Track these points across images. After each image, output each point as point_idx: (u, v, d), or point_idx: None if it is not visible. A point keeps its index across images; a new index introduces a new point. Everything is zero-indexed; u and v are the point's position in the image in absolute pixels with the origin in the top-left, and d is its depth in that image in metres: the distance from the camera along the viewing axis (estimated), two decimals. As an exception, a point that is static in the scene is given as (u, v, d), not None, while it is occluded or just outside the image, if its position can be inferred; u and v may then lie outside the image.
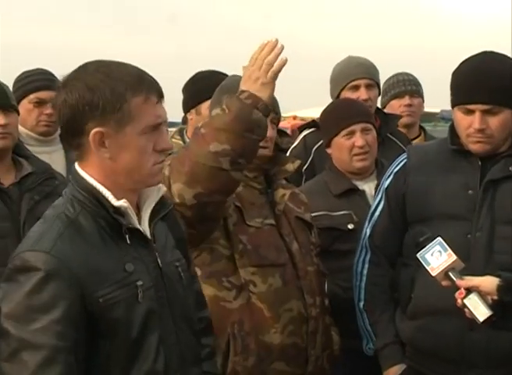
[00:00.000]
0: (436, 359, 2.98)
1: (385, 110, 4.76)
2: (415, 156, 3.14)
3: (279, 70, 2.58)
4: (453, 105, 2.99)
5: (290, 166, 3.07)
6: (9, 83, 4.00)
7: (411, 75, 4.90)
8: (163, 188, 2.27)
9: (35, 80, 4.18)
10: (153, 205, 2.24)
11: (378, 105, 4.51)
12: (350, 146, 3.61)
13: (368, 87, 4.14)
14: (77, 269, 2.01)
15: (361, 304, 3.20)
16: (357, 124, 3.60)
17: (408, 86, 4.82)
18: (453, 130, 3.07)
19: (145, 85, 2.12)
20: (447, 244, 2.65)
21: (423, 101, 4.94)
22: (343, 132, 3.61)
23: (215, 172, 2.58)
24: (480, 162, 2.98)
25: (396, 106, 4.78)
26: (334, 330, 3.13)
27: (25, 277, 1.99)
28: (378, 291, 3.18)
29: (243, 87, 2.60)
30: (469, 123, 2.92)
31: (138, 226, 2.17)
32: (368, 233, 3.21)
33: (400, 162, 3.17)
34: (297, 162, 3.11)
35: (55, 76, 3.94)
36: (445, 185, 3.00)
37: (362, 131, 3.60)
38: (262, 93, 2.57)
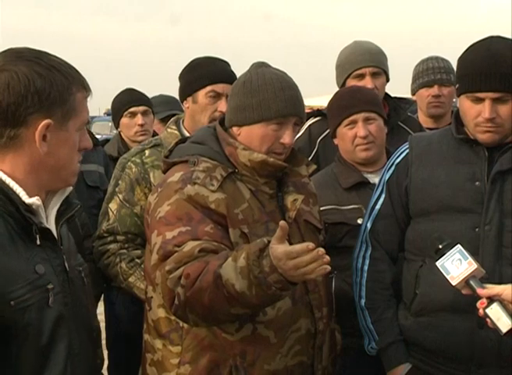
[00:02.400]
0: (444, 358, 2.88)
1: (414, 98, 4.65)
2: (418, 146, 3.01)
3: (313, 278, 2.43)
4: (460, 93, 2.86)
5: (304, 170, 2.90)
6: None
7: (443, 60, 4.69)
8: (69, 188, 2.16)
9: None
10: (58, 204, 2.12)
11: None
12: (352, 136, 3.51)
13: (374, 75, 4.00)
14: None
15: (362, 301, 3.08)
16: (359, 113, 3.49)
17: (438, 74, 4.62)
18: (457, 119, 2.94)
19: (84, 81, 2.07)
20: (467, 252, 2.53)
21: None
22: (345, 122, 3.52)
23: (230, 319, 2.58)
24: (486, 153, 2.86)
25: (424, 95, 4.63)
26: (337, 330, 3.01)
27: None
28: (379, 287, 3.06)
29: (275, 261, 2.33)
30: (478, 111, 2.80)
31: (48, 226, 2.04)
32: (368, 228, 3.09)
33: (402, 152, 3.05)
34: (312, 167, 2.94)
35: None
36: (450, 176, 2.89)
37: (364, 121, 3.49)
38: (289, 279, 2.37)
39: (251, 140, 2.76)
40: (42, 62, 1.97)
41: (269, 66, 2.83)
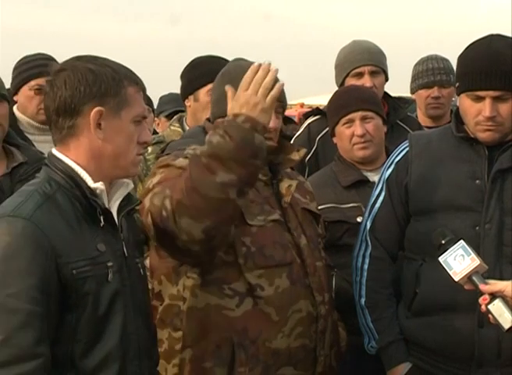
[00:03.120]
0: (444, 357, 2.87)
1: (414, 97, 4.63)
2: (418, 144, 3.00)
3: (278, 94, 2.48)
4: (461, 91, 2.85)
5: (296, 155, 2.92)
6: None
7: (443, 60, 4.64)
8: (131, 185, 2.34)
9: (36, 66, 3.99)
10: (121, 198, 2.30)
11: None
12: (350, 135, 3.51)
13: (373, 74, 3.98)
14: (54, 239, 2.07)
15: (362, 300, 3.06)
16: (356, 112, 3.49)
17: (438, 76, 4.57)
18: (457, 117, 2.93)
19: (135, 78, 2.26)
20: (470, 247, 2.51)
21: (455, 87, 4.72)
22: (343, 120, 3.52)
23: (223, 203, 2.45)
24: (487, 151, 2.85)
25: (424, 96, 4.59)
26: (341, 325, 3.00)
27: (3, 242, 2.04)
28: (379, 286, 3.05)
29: (237, 110, 2.45)
30: (478, 110, 2.79)
31: (111, 210, 2.24)
32: (368, 226, 3.07)
33: (402, 150, 3.03)
34: (303, 151, 2.95)
35: (56, 62, 3.75)
36: (450, 175, 2.88)
37: (362, 119, 3.49)
38: (263, 118, 2.45)
39: None
40: (96, 62, 2.20)
41: (247, 60, 2.85)
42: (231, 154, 2.41)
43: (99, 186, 2.19)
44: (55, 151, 2.24)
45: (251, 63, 2.78)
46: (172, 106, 5.59)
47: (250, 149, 2.43)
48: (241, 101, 2.46)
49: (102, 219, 2.19)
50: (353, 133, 3.48)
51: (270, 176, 2.86)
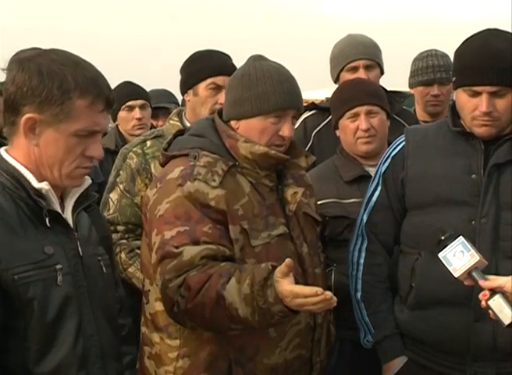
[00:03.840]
0: (440, 351, 2.87)
1: (412, 91, 4.63)
2: (414, 139, 2.99)
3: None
4: (457, 86, 2.84)
5: (303, 162, 2.88)
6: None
7: (443, 57, 4.62)
8: (88, 180, 2.28)
9: None
10: (77, 195, 2.26)
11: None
12: (354, 129, 3.49)
13: (368, 68, 3.98)
14: None
15: (358, 294, 3.07)
16: (361, 106, 3.48)
17: (438, 73, 4.56)
18: (454, 111, 2.92)
19: (96, 91, 2.13)
20: (469, 243, 2.51)
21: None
22: (348, 114, 3.50)
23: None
24: (483, 145, 2.84)
25: (423, 93, 4.59)
26: (332, 322, 3.00)
27: None
28: (375, 280, 3.05)
29: (287, 300, 2.35)
30: (475, 105, 2.77)
31: (58, 210, 2.17)
32: (364, 221, 3.08)
33: (398, 145, 3.03)
34: (311, 159, 2.92)
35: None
36: (446, 169, 2.87)
37: (367, 114, 3.48)
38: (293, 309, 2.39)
39: (250, 133, 2.74)
40: (54, 64, 2.09)
41: (267, 59, 2.81)
42: (250, 325, 2.47)
43: (43, 186, 2.13)
44: (1, 152, 2.19)
45: (271, 64, 2.77)
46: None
47: (271, 327, 2.55)
48: (287, 299, 2.33)
49: (48, 221, 2.12)
50: (358, 128, 3.47)
51: (277, 182, 2.82)
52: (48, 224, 2.11)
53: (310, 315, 2.75)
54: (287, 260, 2.31)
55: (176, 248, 2.55)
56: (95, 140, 2.17)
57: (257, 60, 2.80)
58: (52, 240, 2.12)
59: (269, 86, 2.71)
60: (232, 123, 2.78)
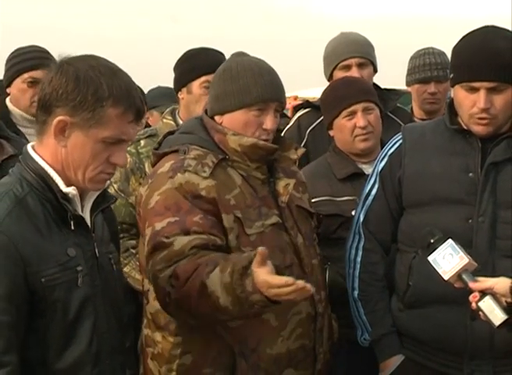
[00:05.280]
0: (437, 350, 2.87)
1: (409, 89, 4.63)
2: (411, 137, 2.99)
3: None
4: (455, 82, 2.83)
5: (293, 154, 2.90)
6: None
7: (440, 55, 4.61)
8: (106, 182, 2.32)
9: (30, 59, 3.98)
10: (95, 196, 2.30)
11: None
12: (351, 127, 3.48)
13: (360, 66, 3.97)
14: (23, 247, 2.05)
15: (355, 293, 3.06)
16: (358, 104, 3.47)
17: (435, 71, 4.55)
18: (451, 109, 2.92)
19: (128, 102, 2.18)
20: (458, 246, 2.51)
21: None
22: (344, 113, 3.49)
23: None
24: (480, 144, 2.84)
25: (420, 91, 4.59)
26: (333, 317, 3.01)
27: None
28: (372, 279, 3.05)
29: (263, 289, 2.33)
30: (472, 101, 2.77)
31: (82, 214, 2.23)
32: (361, 219, 3.07)
33: (395, 143, 3.02)
34: (301, 150, 2.93)
35: (50, 55, 3.73)
36: (443, 168, 2.87)
37: (364, 111, 3.48)
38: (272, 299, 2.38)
39: (234, 127, 2.76)
40: (91, 70, 2.15)
41: (248, 55, 2.84)
42: (231, 315, 2.47)
43: (71, 191, 2.18)
44: (29, 149, 2.23)
45: (252, 59, 2.79)
46: (168, 102, 5.55)
47: (253, 316, 2.54)
48: (263, 289, 2.31)
49: (73, 224, 2.18)
50: (355, 125, 3.46)
51: (268, 174, 2.83)
52: (72, 227, 2.17)
53: (310, 304, 2.75)
54: (260, 248, 2.30)
55: (167, 238, 2.56)
56: (121, 148, 2.22)
57: (238, 56, 2.84)
58: (74, 241, 2.19)
59: (250, 79, 2.74)
60: (217, 118, 2.81)
